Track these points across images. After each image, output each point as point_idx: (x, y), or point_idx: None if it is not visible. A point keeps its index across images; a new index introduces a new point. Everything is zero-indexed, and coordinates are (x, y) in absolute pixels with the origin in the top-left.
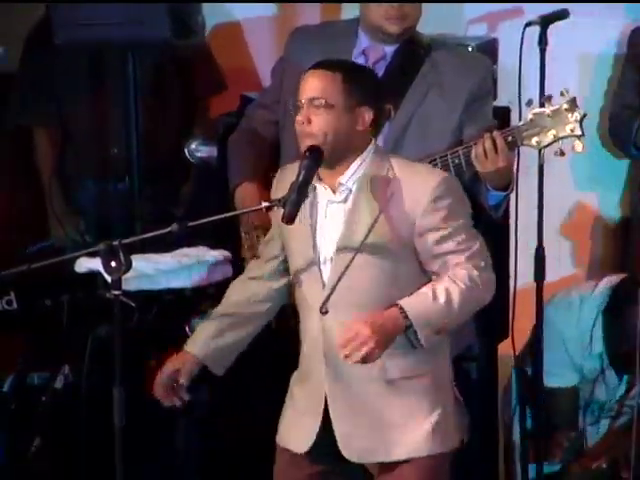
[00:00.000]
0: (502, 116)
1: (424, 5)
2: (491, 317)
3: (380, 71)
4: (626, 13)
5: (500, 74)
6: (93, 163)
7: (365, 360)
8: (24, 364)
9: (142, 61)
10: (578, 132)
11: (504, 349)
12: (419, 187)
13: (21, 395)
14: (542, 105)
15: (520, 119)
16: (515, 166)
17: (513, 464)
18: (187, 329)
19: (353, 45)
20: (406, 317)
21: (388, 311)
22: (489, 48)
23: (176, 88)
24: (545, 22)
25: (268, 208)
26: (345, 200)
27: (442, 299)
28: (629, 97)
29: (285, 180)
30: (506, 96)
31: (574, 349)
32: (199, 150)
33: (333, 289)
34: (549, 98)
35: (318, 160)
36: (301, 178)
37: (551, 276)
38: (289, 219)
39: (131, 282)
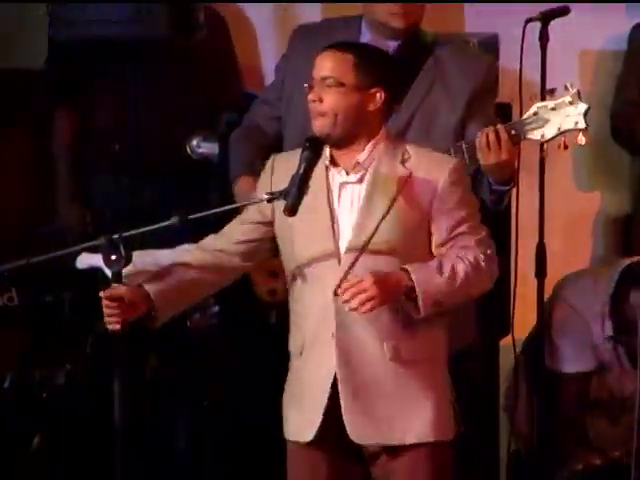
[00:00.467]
0: (503, 112)
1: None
2: (492, 313)
3: None
4: (626, 9)
5: (501, 70)
6: (104, 155)
7: (362, 309)
8: (25, 360)
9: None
10: (582, 125)
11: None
12: (436, 169)
13: (22, 391)
14: (544, 99)
15: (520, 116)
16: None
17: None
18: (188, 323)
19: (356, 41)
20: (410, 280)
21: (394, 271)
22: (490, 44)
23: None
24: (546, 18)
25: (269, 201)
26: (360, 181)
27: (447, 273)
28: (631, 93)
29: (282, 168)
30: (507, 92)
31: (589, 329)
32: (200, 146)
33: (350, 269)
34: (552, 91)
35: (318, 151)
36: (302, 170)
37: (553, 273)
38: (291, 212)
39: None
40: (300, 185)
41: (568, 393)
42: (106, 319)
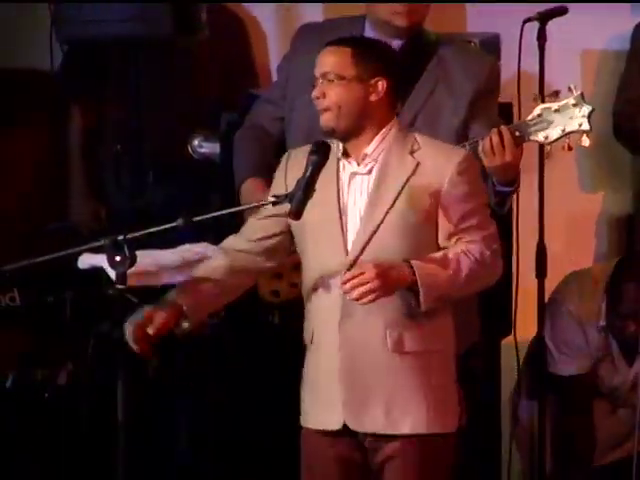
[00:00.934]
0: (504, 112)
1: None
2: (494, 314)
3: None
4: (631, 9)
5: (502, 70)
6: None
7: (363, 300)
8: (27, 360)
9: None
10: (586, 127)
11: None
12: (444, 159)
13: (24, 391)
14: (544, 98)
15: (520, 115)
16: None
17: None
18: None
19: None
20: (413, 274)
21: (398, 263)
22: (491, 44)
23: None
24: (544, 18)
25: (274, 204)
26: (369, 172)
27: (451, 267)
28: (633, 92)
29: (296, 165)
30: (508, 92)
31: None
32: (202, 146)
33: (356, 260)
34: (556, 93)
35: (325, 155)
36: (308, 174)
37: (554, 274)
38: (296, 215)
39: (133, 278)
40: (305, 189)
41: (569, 394)
42: (138, 347)
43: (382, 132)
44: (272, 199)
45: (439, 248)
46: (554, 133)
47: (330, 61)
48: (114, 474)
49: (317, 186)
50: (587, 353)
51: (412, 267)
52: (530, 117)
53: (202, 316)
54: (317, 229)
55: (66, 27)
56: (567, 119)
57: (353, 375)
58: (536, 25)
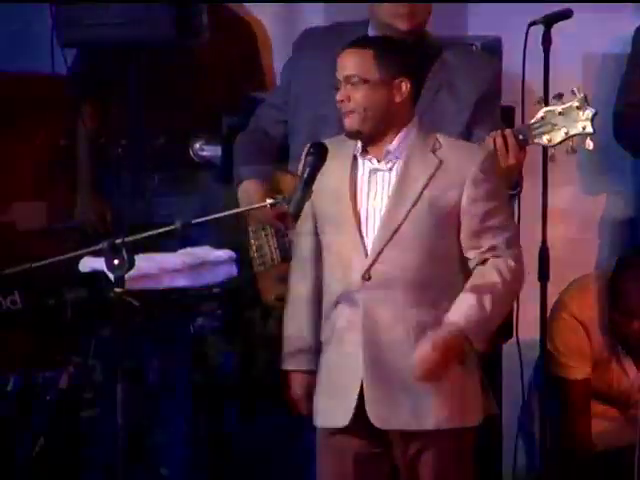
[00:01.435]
0: (506, 116)
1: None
2: None
3: None
4: (632, 12)
5: (504, 74)
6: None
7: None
8: (28, 363)
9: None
10: (590, 130)
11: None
12: (467, 158)
13: (25, 394)
14: (548, 102)
15: (523, 119)
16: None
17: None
18: (192, 329)
19: None
20: (467, 337)
21: (450, 335)
22: (493, 47)
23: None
24: (549, 22)
25: (272, 205)
26: (391, 169)
27: (488, 306)
28: (634, 95)
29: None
30: (510, 96)
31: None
32: (203, 150)
33: (377, 257)
34: (560, 96)
35: (322, 156)
36: (305, 175)
37: (557, 277)
38: (294, 217)
39: (134, 281)
40: (303, 191)
41: (573, 397)
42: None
43: (404, 130)
44: (270, 201)
45: (460, 247)
46: (557, 136)
47: (353, 64)
48: (114, 476)
49: (333, 185)
50: (590, 357)
51: (460, 328)
52: (534, 120)
53: None
54: (335, 228)
55: (67, 30)
56: (571, 122)
57: (377, 373)
58: (535, 28)
